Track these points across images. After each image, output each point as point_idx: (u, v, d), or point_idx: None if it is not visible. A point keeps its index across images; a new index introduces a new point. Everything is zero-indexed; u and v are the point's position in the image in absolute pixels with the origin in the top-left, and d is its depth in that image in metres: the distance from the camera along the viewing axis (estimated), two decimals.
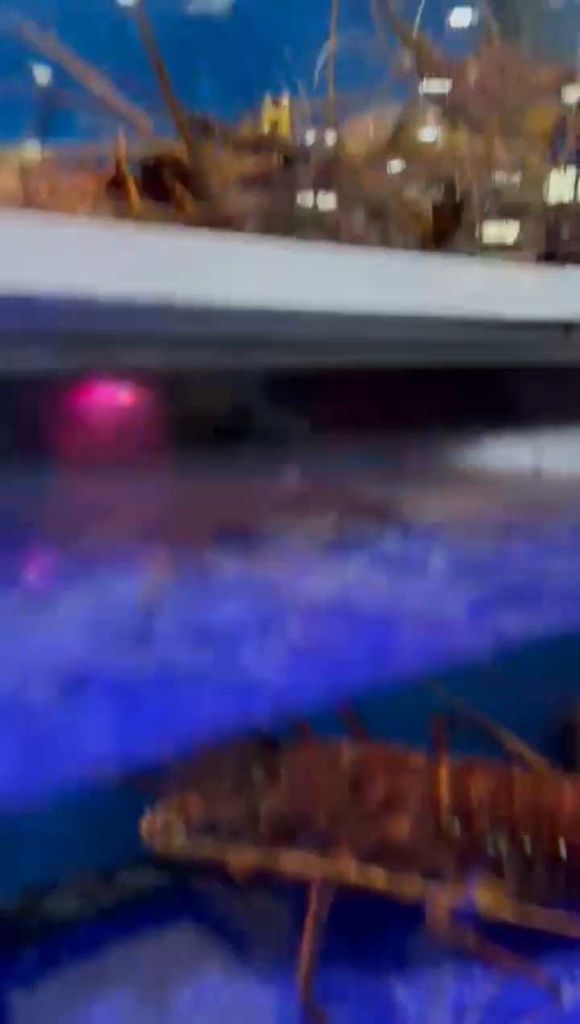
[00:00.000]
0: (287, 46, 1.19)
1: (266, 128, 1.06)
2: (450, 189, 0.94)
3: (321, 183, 0.88)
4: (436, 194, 0.93)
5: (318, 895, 0.99)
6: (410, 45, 1.03)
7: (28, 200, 0.84)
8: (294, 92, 1.09)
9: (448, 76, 1.01)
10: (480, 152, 0.97)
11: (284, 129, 1.01)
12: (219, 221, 0.84)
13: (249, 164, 0.89)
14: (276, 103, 0.99)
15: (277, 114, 1.03)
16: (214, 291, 0.74)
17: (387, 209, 0.88)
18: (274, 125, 1.02)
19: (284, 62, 1.15)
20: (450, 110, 1.01)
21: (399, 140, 0.95)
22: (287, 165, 0.89)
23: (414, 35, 1.03)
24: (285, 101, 1.02)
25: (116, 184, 0.92)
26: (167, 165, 0.91)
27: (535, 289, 0.99)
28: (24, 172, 0.89)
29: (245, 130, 1.04)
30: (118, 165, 0.92)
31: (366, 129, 1.10)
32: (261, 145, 0.98)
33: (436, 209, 0.94)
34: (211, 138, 1.01)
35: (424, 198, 0.91)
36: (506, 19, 1.16)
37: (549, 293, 0.99)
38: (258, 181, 0.89)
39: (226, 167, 0.88)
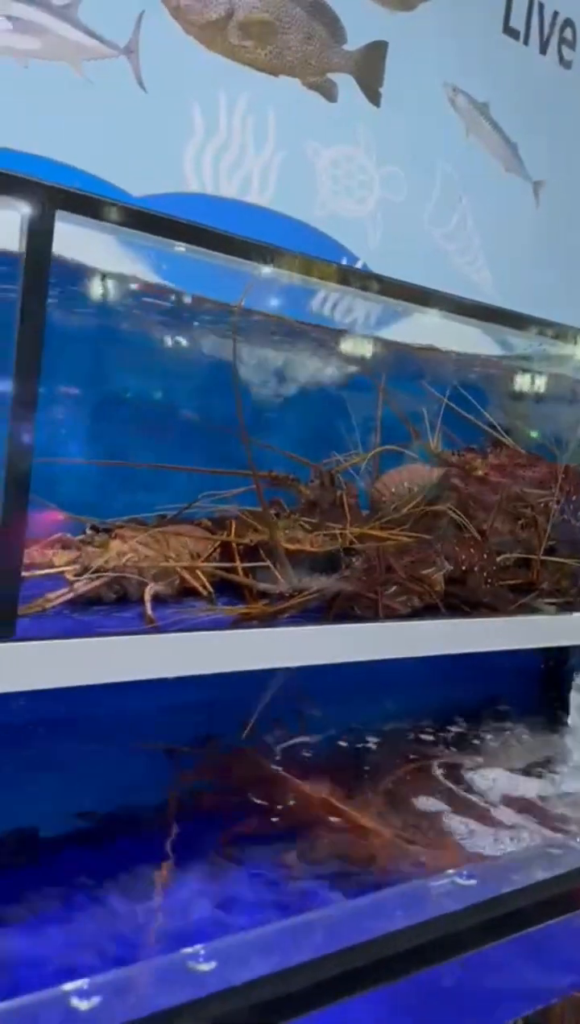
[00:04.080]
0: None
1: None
2: (458, 562, 1.21)
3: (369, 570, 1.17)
4: (447, 567, 1.20)
5: None
6: (426, 448, 1.36)
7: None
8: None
9: (461, 469, 1.32)
10: (486, 530, 1.25)
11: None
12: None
13: (316, 544, 1.18)
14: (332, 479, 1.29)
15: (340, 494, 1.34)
16: None
17: (411, 584, 1.15)
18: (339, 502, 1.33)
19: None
20: (463, 497, 1.30)
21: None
22: (347, 553, 1.18)
23: (433, 445, 1.36)
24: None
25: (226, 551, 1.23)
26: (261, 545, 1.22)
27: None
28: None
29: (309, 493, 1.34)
30: (227, 544, 1.23)
31: (402, 478, 1.41)
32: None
33: (448, 580, 1.21)
34: (283, 517, 1.33)
35: (437, 571, 1.18)
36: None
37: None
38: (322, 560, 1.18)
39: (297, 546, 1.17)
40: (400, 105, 2.81)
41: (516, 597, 1.32)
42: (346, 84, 2.69)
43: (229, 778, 1.11)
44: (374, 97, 2.84)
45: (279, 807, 1.05)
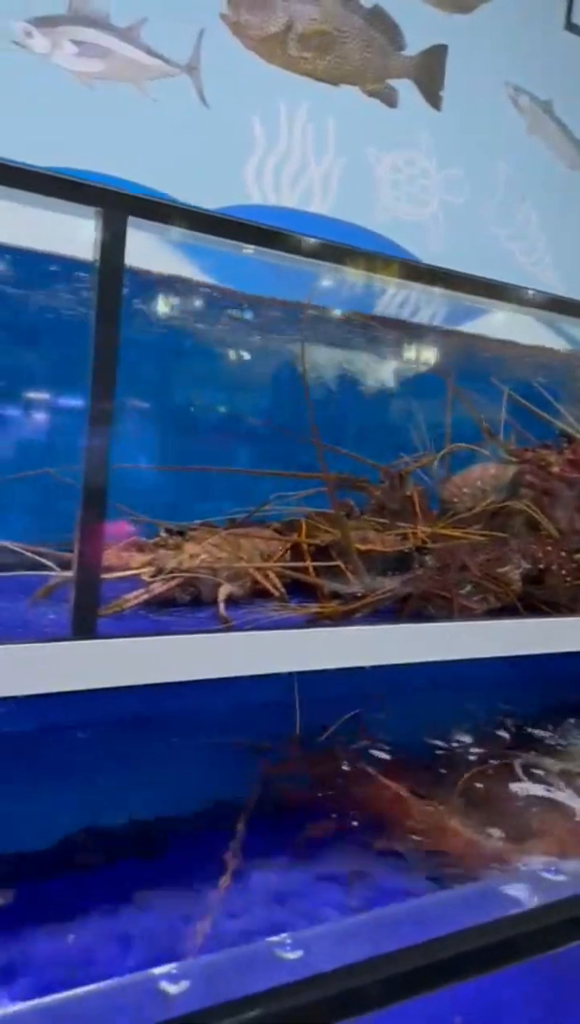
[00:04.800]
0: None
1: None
2: (535, 561, 1.19)
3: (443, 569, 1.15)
4: (525, 566, 1.18)
5: None
6: (499, 445, 1.34)
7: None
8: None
9: (536, 465, 1.29)
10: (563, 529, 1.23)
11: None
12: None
13: (387, 544, 1.17)
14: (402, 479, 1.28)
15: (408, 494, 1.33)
16: None
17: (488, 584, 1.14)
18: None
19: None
20: (539, 494, 1.28)
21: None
22: (419, 551, 1.17)
23: (503, 441, 1.34)
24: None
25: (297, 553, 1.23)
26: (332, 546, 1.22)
27: None
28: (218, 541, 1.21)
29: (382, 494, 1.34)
30: (296, 546, 1.23)
31: (475, 477, 1.39)
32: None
33: (525, 579, 1.19)
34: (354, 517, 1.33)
35: (513, 570, 1.16)
36: None
37: None
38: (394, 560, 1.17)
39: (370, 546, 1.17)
40: (461, 107, 2.80)
41: None
42: (406, 89, 2.70)
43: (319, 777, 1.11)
44: (435, 101, 2.84)
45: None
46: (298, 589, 1.24)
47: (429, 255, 2.76)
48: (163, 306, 1.69)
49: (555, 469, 1.27)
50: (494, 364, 1.79)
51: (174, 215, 1.01)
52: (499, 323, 1.99)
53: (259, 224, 1.06)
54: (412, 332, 1.65)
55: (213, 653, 0.92)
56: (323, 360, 1.72)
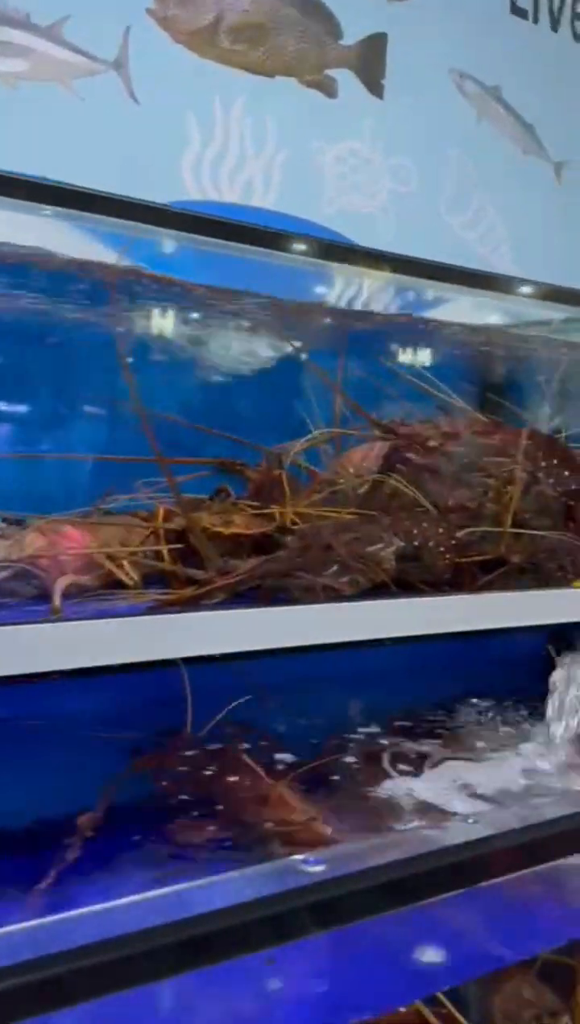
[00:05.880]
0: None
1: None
2: (411, 539, 1.14)
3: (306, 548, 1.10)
4: (398, 543, 1.13)
5: None
6: (374, 425, 1.29)
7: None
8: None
9: (411, 440, 1.24)
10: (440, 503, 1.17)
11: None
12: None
13: (251, 524, 1.12)
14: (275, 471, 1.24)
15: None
16: None
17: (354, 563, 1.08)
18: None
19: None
20: (416, 470, 1.23)
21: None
22: (280, 532, 1.12)
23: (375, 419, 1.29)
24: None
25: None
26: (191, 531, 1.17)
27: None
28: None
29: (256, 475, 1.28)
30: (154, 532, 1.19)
31: (359, 456, 1.34)
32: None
33: (400, 557, 1.14)
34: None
35: (384, 549, 1.11)
36: None
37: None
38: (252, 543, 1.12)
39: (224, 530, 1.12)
40: (405, 96, 2.75)
41: (483, 574, 1.24)
42: (347, 79, 2.66)
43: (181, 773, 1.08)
44: (377, 90, 2.80)
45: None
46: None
47: (382, 245, 2.71)
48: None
49: (432, 444, 1.22)
50: (395, 339, 1.74)
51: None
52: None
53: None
54: (294, 309, 1.60)
55: (28, 645, 0.87)
56: (198, 339, 1.67)
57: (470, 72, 3.04)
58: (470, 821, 0.87)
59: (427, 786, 1.05)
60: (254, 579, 1.05)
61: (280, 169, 2.71)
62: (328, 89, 2.80)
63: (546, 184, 3.32)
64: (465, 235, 3.14)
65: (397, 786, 1.07)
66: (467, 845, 0.73)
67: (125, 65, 2.41)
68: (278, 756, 1.11)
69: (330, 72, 2.76)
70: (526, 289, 1.55)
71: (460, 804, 1.01)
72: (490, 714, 1.31)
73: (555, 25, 3.33)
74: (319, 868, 0.65)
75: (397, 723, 1.23)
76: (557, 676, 1.26)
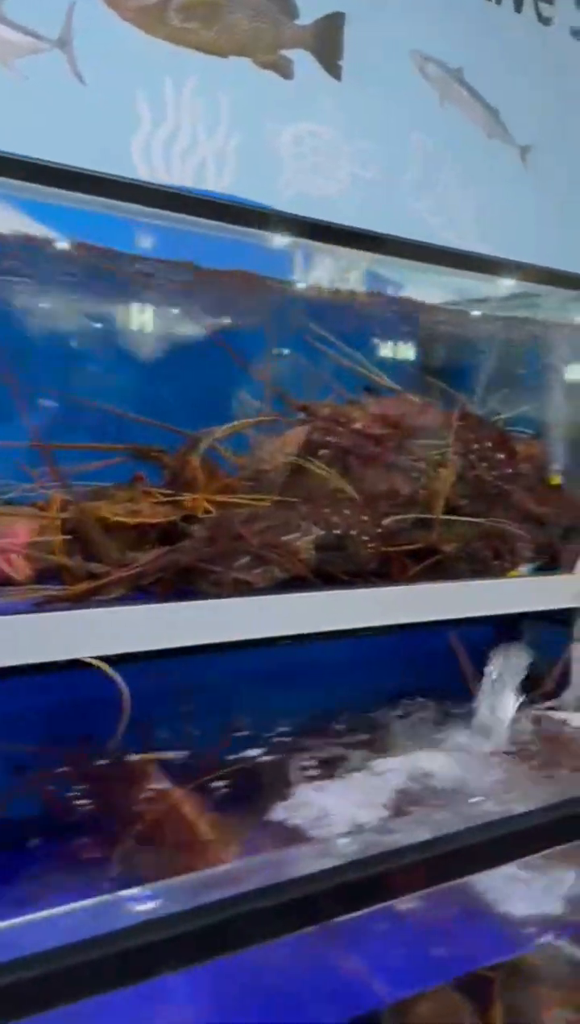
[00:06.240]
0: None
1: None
2: (332, 528, 1.07)
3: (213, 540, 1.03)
4: (317, 532, 1.06)
5: None
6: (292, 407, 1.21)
7: None
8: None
9: (332, 421, 1.17)
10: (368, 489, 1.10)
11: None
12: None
13: (157, 513, 1.05)
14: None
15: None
16: None
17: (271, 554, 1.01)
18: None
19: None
20: (338, 453, 1.15)
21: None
22: (186, 521, 1.05)
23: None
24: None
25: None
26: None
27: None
28: None
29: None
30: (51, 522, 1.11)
31: (285, 441, 1.26)
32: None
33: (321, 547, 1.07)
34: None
35: (301, 538, 1.04)
36: None
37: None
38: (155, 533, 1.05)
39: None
40: (365, 77, 2.68)
41: (413, 563, 1.17)
42: (304, 60, 2.58)
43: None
44: (334, 71, 2.72)
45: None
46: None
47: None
48: None
49: (357, 425, 1.15)
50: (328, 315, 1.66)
51: None
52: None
53: None
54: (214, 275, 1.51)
55: None
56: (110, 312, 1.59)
57: (432, 54, 2.96)
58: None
59: (332, 797, 0.98)
60: (155, 572, 0.98)
61: (235, 151, 2.63)
62: (284, 70, 2.72)
63: (513, 168, 3.25)
64: (431, 220, 3.08)
65: (301, 796, 1.00)
66: (351, 865, 0.66)
67: (70, 43, 2.32)
68: (171, 768, 1.04)
69: (286, 52, 2.68)
70: (476, 263, 1.47)
71: (365, 814, 0.94)
72: (420, 713, 1.24)
73: (518, 6, 3.26)
74: (150, 906, 0.58)
75: (316, 726, 1.16)
76: (491, 670, 1.19)
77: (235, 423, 1.23)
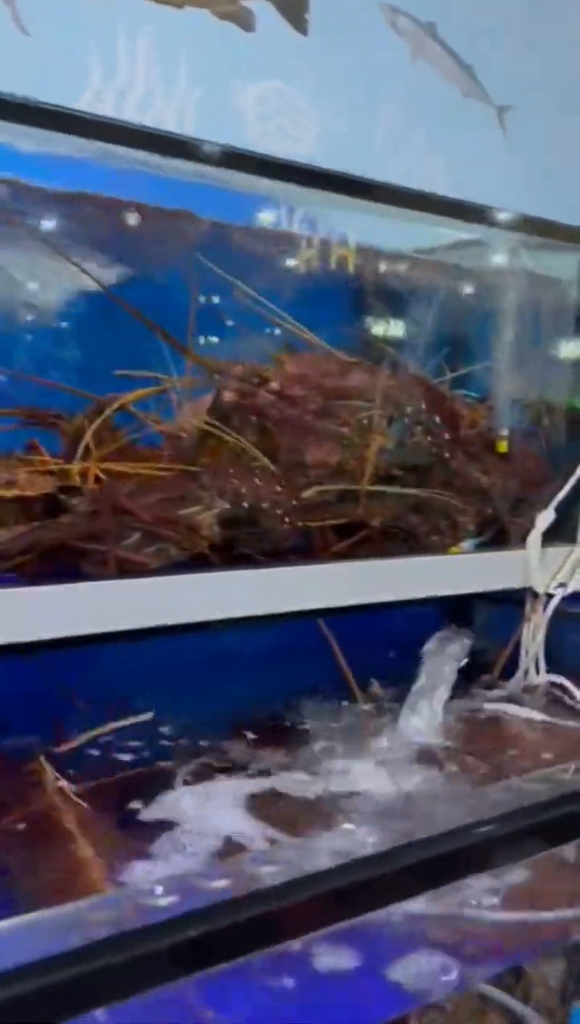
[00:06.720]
0: None
1: None
2: (241, 500, 0.94)
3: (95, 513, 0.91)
4: (223, 505, 0.93)
5: None
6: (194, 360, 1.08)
7: None
8: None
9: (243, 380, 1.04)
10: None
11: None
12: None
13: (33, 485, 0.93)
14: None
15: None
16: None
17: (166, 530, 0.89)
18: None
19: None
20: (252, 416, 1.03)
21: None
22: (64, 492, 0.92)
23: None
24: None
25: None
26: None
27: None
28: None
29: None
30: None
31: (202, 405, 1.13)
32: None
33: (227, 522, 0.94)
34: None
35: (203, 512, 0.92)
36: None
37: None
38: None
39: None
40: (332, 31, 2.54)
41: (338, 539, 1.05)
42: (267, 13, 2.44)
43: None
44: (300, 25, 2.58)
45: None
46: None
47: None
48: None
49: (273, 385, 1.03)
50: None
51: None
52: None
53: None
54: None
55: None
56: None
57: (402, 7, 2.82)
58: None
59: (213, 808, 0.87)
60: (20, 551, 0.86)
61: (194, 108, 2.50)
62: (245, 22, 2.58)
63: (489, 129, 3.11)
64: (404, 182, 2.94)
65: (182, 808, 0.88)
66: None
67: None
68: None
69: (246, 3, 2.54)
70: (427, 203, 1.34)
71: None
72: (342, 705, 1.13)
73: None
74: None
75: (222, 726, 1.05)
76: (424, 658, 1.07)
77: (149, 390, 1.10)
